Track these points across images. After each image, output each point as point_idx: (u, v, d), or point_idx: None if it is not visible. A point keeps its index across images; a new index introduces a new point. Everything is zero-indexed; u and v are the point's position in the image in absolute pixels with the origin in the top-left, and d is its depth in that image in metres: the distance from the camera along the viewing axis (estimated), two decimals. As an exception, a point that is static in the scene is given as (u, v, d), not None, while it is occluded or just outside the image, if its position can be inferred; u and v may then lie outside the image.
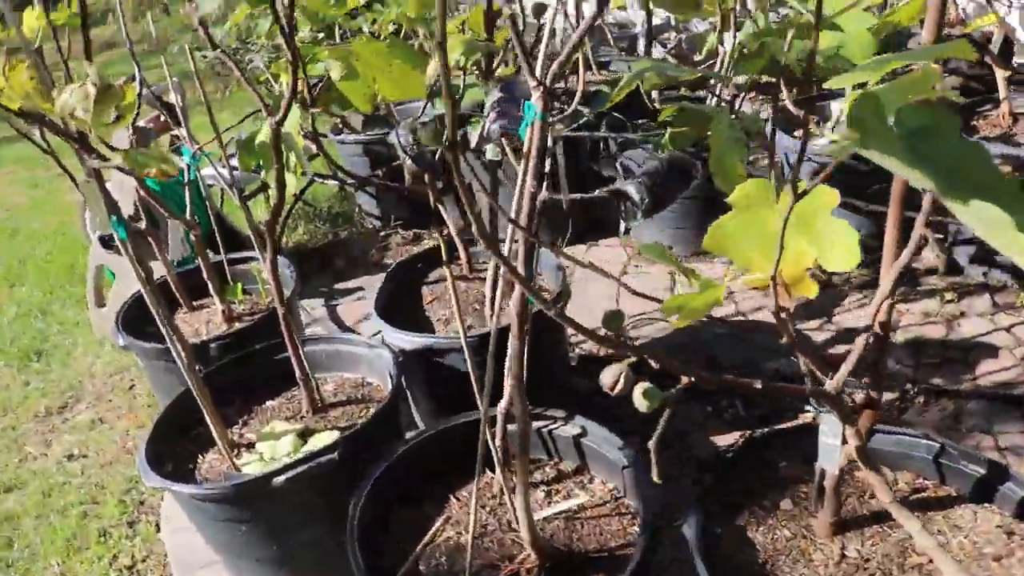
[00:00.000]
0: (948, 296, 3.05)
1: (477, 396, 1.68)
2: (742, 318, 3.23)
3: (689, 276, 1.31)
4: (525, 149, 1.41)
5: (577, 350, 3.14)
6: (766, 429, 2.51)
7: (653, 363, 1.09)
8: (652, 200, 1.68)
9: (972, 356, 2.80)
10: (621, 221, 1.82)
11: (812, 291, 1.20)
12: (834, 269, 1.19)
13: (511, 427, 1.81)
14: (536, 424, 1.93)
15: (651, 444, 1.03)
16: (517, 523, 1.75)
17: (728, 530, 1.61)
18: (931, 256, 3.21)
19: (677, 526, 1.56)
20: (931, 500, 1.65)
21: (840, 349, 2.93)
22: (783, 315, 1.19)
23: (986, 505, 1.63)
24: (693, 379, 1.18)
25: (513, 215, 1.44)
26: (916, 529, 1.35)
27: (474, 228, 0.88)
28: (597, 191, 1.77)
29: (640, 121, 3.64)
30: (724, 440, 2.54)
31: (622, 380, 1.02)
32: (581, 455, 1.93)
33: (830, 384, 1.31)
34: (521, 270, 1.37)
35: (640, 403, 1.06)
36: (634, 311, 3.29)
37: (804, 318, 3.11)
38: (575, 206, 3.98)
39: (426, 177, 2.15)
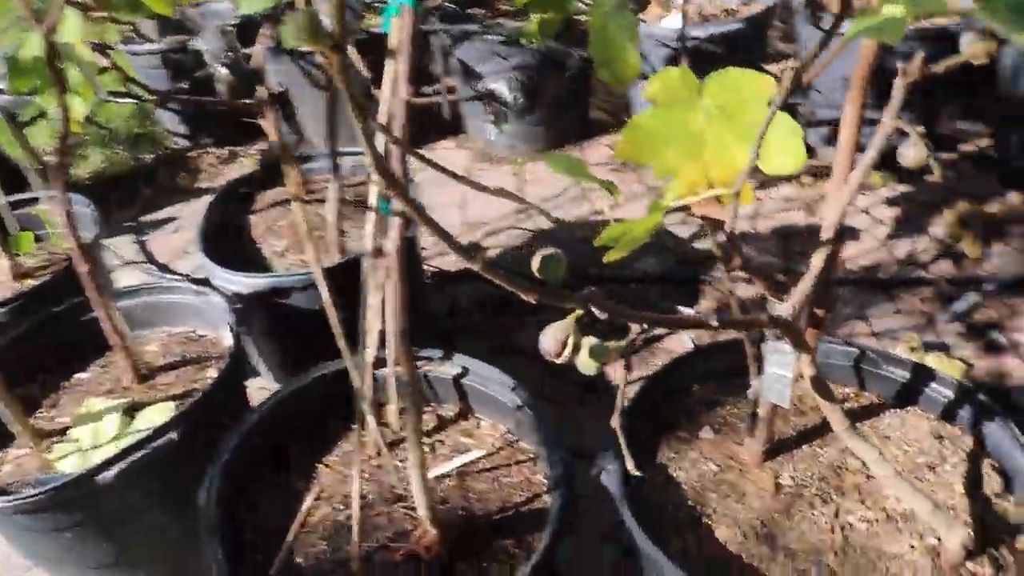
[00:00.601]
0: (805, 180, 2.98)
1: (339, 341, 1.39)
2: (600, 217, 3.04)
3: (612, 190, 1.07)
4: (392, 44, 1.10)
5: (427, 266, 2.86)
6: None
7: (599, 313, 0.84)
8: (526, 98, 1.43)
9: (835, 242, 2.74)
10: (490, 124, 1.55)
11: (748, 198, 0.99)
12: (774, 171, 0.99)
13: (380, 372, 1.55)
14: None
15: (615, 421, 0.79)
16: (403, 489, 1.50)
17: (649, 470, 1.43)
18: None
19: (595, 474, 1.36)
20: (856, 411, 1.53)
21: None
22: (722, 233, 0.96)
23: (911, 409, 1.53)
24: (645, 326, 0.95)
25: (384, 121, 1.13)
26: (873, 459, 1.20)
27: (368, 154, 0.59)
28: (468, 93, 1.47)
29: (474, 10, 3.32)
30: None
31: (570, 344, 0.77)
32: (463, 397, 1.69)
33: (785, 308, 1.11)
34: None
35: (587, 367, 0.82)
36: (480, 218, 3.04)
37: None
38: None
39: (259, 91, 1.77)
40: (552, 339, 0.78)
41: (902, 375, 1.51)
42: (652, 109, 0.98)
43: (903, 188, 2.95)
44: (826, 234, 1.09)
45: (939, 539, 1.28)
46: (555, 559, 1.29)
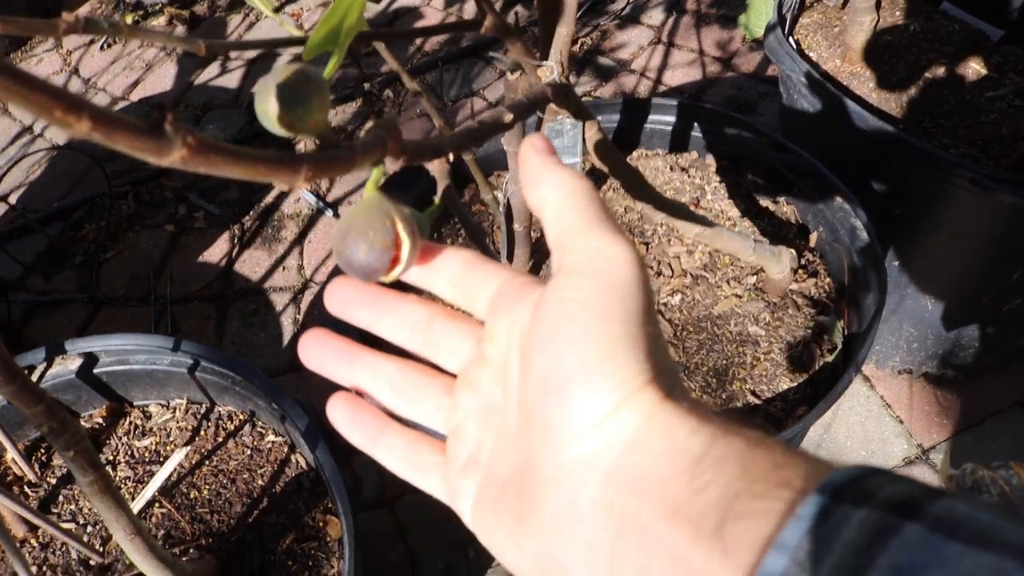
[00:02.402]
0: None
1: None
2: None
3: None
4: None
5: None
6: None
7: (393, 162, 0.42)
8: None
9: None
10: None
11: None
12: None
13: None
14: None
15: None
16: (103, 556, 0.98)
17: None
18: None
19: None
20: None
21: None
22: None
23: (637, 152, 1.31)
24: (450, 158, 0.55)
25: None
26: (682, 223, 0.95)
27: None
28: None
29: None
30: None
31: (405, 239, 0.35)
32: (104, 391, 1.16)
33: (552, 67, 0.77)
34: None
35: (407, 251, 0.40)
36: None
37: None
38: None
39: None
40: (371, 245, 0.35)
41: (608, 120, 1.28)
42: None
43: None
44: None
45: (756, 274, 1.11)
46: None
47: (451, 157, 0.69)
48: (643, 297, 0.30)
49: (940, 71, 1.30)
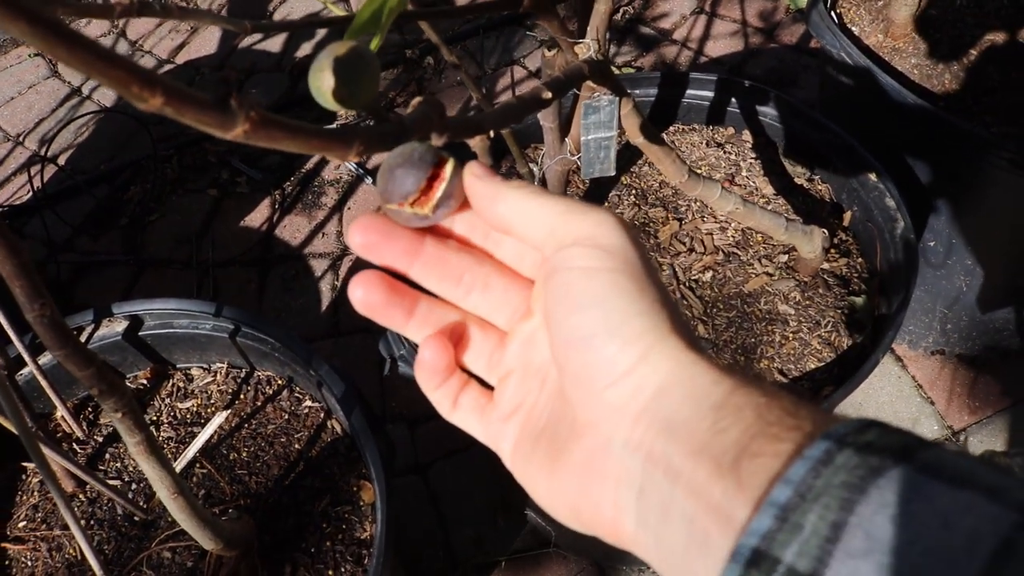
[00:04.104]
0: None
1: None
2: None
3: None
4: None
5: None
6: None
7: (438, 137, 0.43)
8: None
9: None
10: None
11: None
12: None
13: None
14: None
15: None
16: (144, 513, 1.03)
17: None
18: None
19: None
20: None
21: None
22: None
23: (672, 127, 1.31)
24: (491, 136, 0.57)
25: None
26: (715, 197, 0.95)
27: None
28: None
29: None
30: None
31: (446, 175, 0.37)
32: (150, 354, 1.19)
33: (589, 45, 0.78)
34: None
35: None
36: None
37: None
38: None
39: None
40: (409, 175, 0.36)
41: (645, 93, 1.28)
42: None
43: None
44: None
45: (788, 253, 1.11)
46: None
47: (491, 133, 0.71)
48: (641, 254, 0.32)
49: (985, 47, 1.28)
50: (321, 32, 2.31)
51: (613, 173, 0.91)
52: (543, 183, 1.05)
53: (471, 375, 0.39)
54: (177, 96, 0.24)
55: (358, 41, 0.36)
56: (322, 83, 0.34)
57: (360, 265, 1.60)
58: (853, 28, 1.34)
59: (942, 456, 0.24)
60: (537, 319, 0.37)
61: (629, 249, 0.32)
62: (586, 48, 0.79)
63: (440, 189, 0.35)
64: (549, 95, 0.58)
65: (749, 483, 0.26)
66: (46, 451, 0.86)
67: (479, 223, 0.38)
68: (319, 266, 1.73)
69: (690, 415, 0.29)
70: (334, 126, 0.38)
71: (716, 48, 2.08)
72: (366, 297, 0.36)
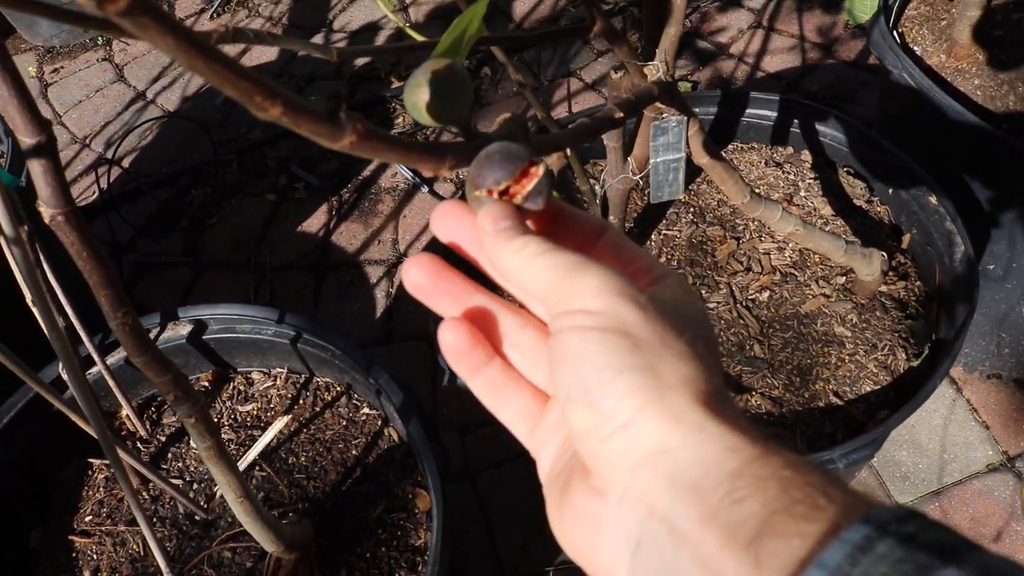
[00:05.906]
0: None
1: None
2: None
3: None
4: None
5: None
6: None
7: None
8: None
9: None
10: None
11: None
12: None
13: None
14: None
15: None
16: (205, 512, 1.06)
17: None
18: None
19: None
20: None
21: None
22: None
23: (731, 145, 1.32)
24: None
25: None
26: (776, 218, 0.96)
27: None
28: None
29: None
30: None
31: (540, 175, 0.37)
32: (211, 356, 1.23)
33: (658, 67, 0.79)
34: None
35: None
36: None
37: None
38: None
39: None
40: (507, 164, 0.37)
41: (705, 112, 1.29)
42: None
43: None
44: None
45: (846, 275, 1.11)
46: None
47: (568, 151, 0.72)
48: (643, 315, 0.31)
49: (1052, 70, 1.26)
50: (379, 40, 2.35)
51: (681, 195, 0.92)
52: (604, 201, 1.06)
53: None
54: (294, 108, 0.26)
55: (453, 60, 0.38)
56: (418, 98, 0.35)
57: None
58: (915, 48, 1.33)
59: (991, 562, 0.22)
60: None
61: (624, 310, 0.31)
62: (655, 70, 0.80)
63: (531, 184, 0.36)
64: (621, 115, 0.60)
65: (769, 564, 0.24)
66: (119, 451, 0.89)
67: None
68: (374, 273, 1.76)
69: (700, 478, 0.27)
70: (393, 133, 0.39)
71: (773, 63, 2.07)
72: (417, 278, 0.37)
